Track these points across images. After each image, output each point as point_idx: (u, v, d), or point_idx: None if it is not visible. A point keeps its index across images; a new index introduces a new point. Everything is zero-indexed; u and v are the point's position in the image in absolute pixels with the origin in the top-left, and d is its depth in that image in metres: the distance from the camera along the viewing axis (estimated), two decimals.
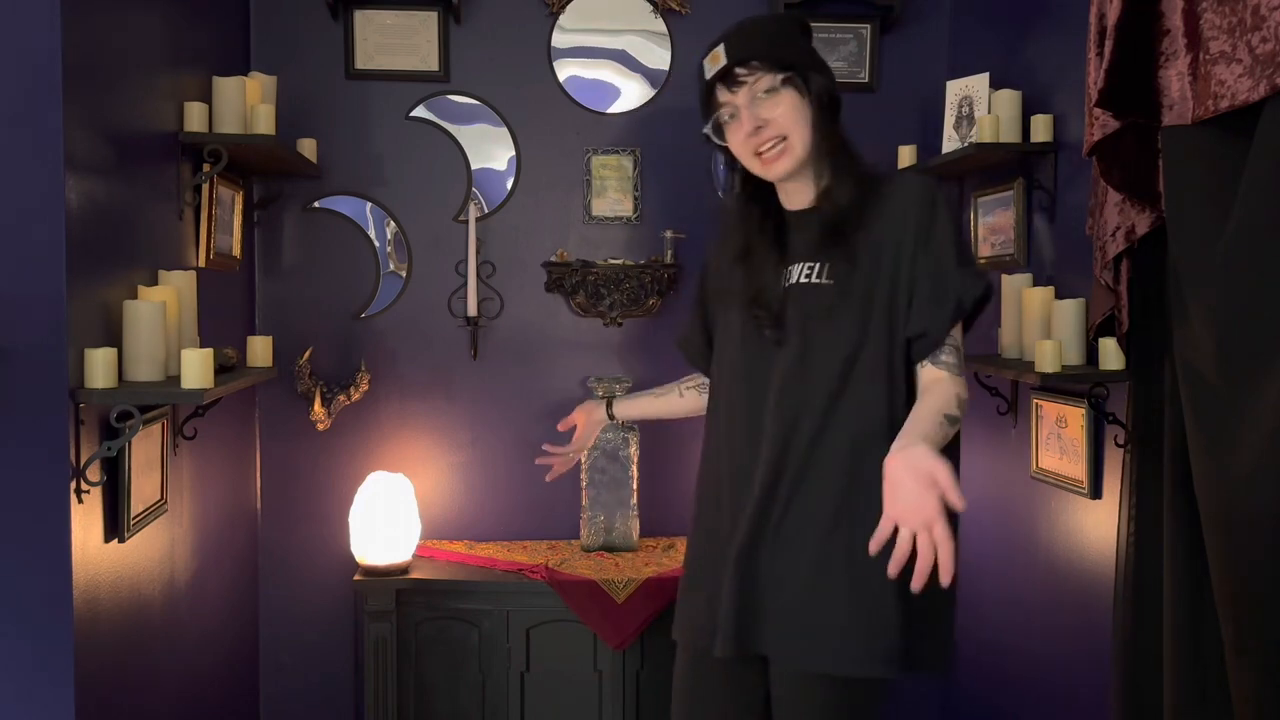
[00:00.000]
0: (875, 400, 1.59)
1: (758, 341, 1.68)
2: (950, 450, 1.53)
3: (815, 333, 1.62)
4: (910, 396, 1.61)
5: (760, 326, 1.67)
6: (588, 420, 2.19)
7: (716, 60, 1.64)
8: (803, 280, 1.64)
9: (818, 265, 1.63)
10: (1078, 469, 2.21)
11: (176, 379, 1.87)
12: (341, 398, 2.75)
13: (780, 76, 1.62)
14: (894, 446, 1.43)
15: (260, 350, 2.32)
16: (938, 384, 1.57)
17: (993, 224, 2.62)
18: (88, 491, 1.73)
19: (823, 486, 1.59)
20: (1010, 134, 2.41)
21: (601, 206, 2.85)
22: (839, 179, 1.65)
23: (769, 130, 1.62)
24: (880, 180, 1.67)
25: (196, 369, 1.80)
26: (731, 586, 1.61)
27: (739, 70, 1.62)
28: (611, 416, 2.17)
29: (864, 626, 1.55)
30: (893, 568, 1.34)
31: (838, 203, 1.63)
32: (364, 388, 2.77)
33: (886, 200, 1.62)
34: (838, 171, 1.66)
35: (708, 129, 1.69)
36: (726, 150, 1.71)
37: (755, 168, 1.67)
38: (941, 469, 1.33)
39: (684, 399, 2.07)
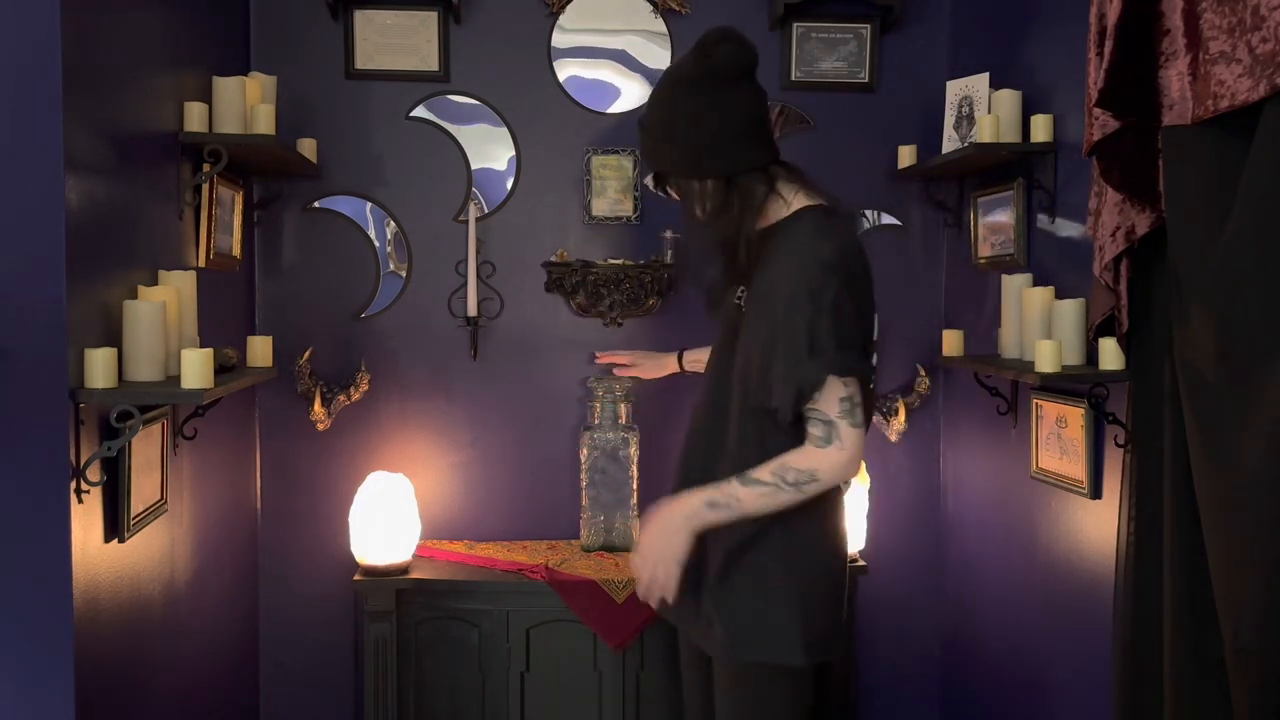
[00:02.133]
0: (755, 430, 1.77)
1: (715, 349, 1.93)
2: (793, 515, 1.73)
3: (723, 368, 1.84)
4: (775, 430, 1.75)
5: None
6: (649, 366, 2.60)
7: None
8: (734, 300, 1.84)
9: (739, 289, 1.83)
10: (1078, 469, 2.21)
11: (176, 379, 1.87)
12: (341, 398, 2.75)
13: (654, 177, 1.84)
14: (675, 501, 1.77)
15: (260, 350, 2.32)
16: (792, 450, 1.71)
17: (993, 224, 2.62)
18: (88, 491, 1.73)
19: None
20: (1010, 134, 2.41)
21: (601, 206, 2.85)
22: (724, 241, 1.79)
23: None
24: (799, 215, 1.77)
25: (196, 369, 1.80)
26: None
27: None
28: (682, 368, 2.54)
29: (743, 615, 1.76)
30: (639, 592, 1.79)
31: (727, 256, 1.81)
32: (364, 388, 2.77)
33: (780, 247, 1.74)
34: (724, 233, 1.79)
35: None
36: None
37: None
38: (653, 545, 1.76)
39: None
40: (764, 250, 1.76)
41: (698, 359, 2.47)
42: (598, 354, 2.74)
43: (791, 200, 1.78)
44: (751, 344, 1.74)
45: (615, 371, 2.64)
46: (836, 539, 1.83)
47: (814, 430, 1.68)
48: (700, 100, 1.73)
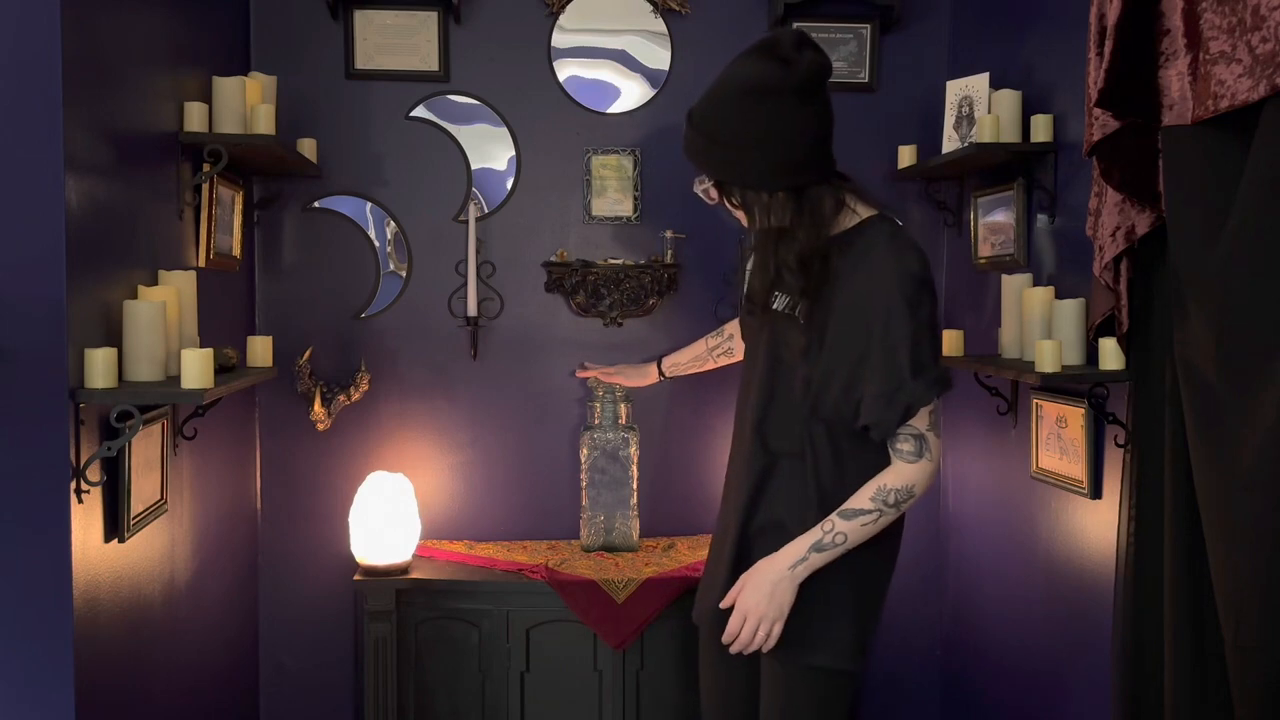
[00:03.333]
0: (826, 435, 1.76)
1: (751, 355, 1.89)
2: (882, 537, 1.76)
3: (784, 362, 1.78)
4: (854, 435, 1.75)
5: (754, 318, 1.86)
6: (632, 375, 2.60)
7: None
8: (779, 309, 1.78)
9: (791, 299, 1.76)
10: (1078, 469, 2.21)
11: (176, 379, 1.87)
12: (341, 398, 2.75)
13: (710, 181, 1.78)
14: (776, 554, 1.74)
15: (260, 350, 2.32)
16: (883, 472, 1.73)
17: (993, 224, 2.62)
18: (88, 491, 1.73)
19: (790, 496, 1.78)
20: (1010, 134, 2.41)
21: (601, 206, 2.85)
22: (783, 253, 1.72)
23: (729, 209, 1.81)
24: (864, 225, 1.74)
25: (196, 369, 1.80)
26: (725, 573, 1.84)
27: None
28: (663, 375, 2.54)
29: (804, 619, 1.74)
30: (733, 646, 1.75)
31: (781, 264, 1.73)
32: (364, 388, 2.77)
33: (861, 258, 1.70)
34: (782, 245, 1.73)
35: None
36: None
37: None
38: (760, 604, 1.71)
39: (716, 364, 2.44)
40: (835, 260, 1.71)
41: (676, 363, 2.54)
42: (578, 371, 2.77)
43: (857, 209, 1.76)
44: (832, 358, 1.71)
45: (600, 378, 2.66)
46: (897, 548, 1.84)
47: (905, 445, 1.70)
48: (782, 112, 1.63)
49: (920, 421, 1.69)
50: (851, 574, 1.75)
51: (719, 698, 1.96)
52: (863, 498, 1.71)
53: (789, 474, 1.79)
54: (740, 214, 1.78)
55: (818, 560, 1.71)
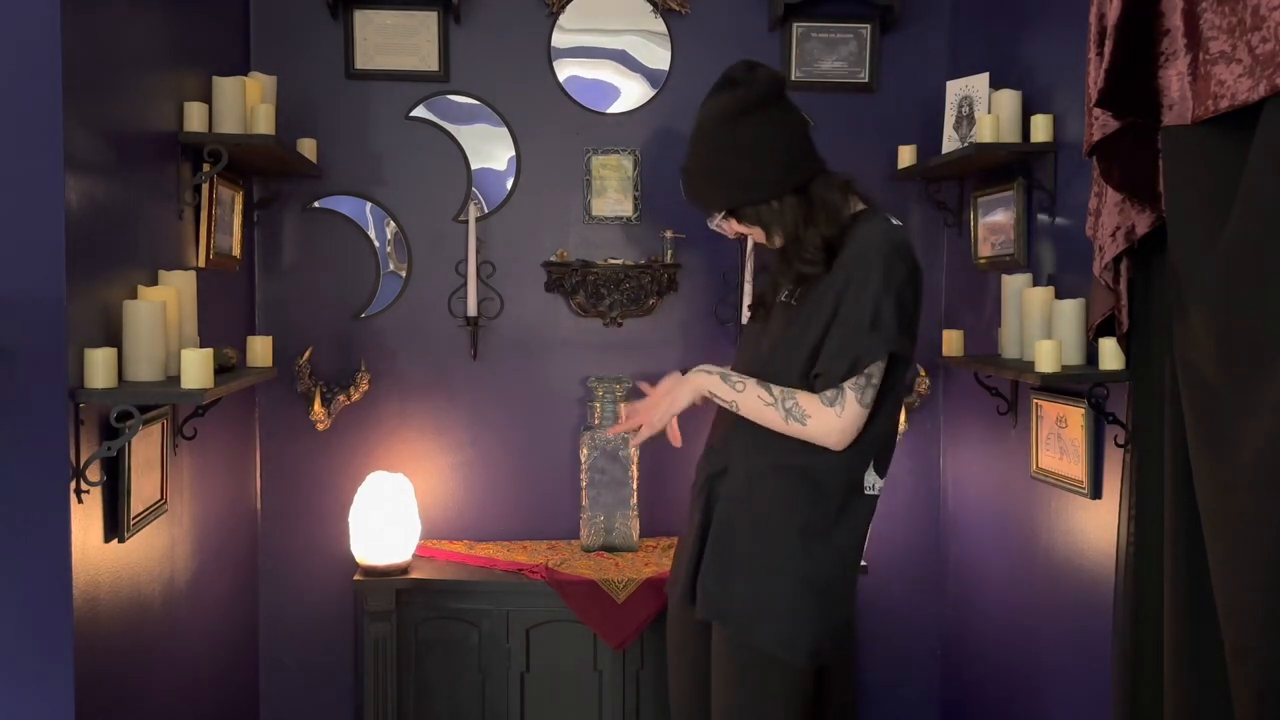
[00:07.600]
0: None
1: (748, 348, 1.98)
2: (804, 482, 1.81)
3: (775, 346, 1.86)
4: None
5: (756, 323, 1.96)
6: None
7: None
8: (782, 299, 1.89)
9: (794, 289, 1.86)
10: (1078, 469, 2.21)
11: (176, 379, 1.87)
12: (341, 398, 2.75)
13: (723, 214, 1.87)
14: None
15: (260, 350, 2.32)
16: (804, 391, 1.79)
17: (993, 224, 2.62)
18: (88, 491, 1.73)
19: (741, 444, 1.86)
20: (1010, 134, 2.41)
21: (601, 206, 2.85)
22: (808, 240, 1.82)
23: (747, 235, 1.91)
24: (857, 217, 1.84)
25: (196, 369, 1.80)
26: (691, 551, 1.92)
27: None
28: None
29: (760, 603, 1.80)
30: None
31: (803, 259, 1.82)
32: (364, 388, 2.77)
33: (850, 242, 1.80)
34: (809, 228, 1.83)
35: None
36: None
37: None
38: (659, 390, 1.94)
39: None
40: (827, 252, 1.82)
41: None
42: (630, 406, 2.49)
43: (854, 201, 1.86)
44: (808, 323, 1.79)
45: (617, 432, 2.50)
46: (859, 548, 1.88)
47: (826, 392, 1.76)
48: (758, 123, 1.79)
49: (851, 382, 1.74)
50: (814, 573, 1.80)
51: (676, 677, 2.03)
52: (777, 388, 1.79)
53: (747, 429, 1.85)
54: (759, 233, 1.88)
55: (720, 387, 1.83)
